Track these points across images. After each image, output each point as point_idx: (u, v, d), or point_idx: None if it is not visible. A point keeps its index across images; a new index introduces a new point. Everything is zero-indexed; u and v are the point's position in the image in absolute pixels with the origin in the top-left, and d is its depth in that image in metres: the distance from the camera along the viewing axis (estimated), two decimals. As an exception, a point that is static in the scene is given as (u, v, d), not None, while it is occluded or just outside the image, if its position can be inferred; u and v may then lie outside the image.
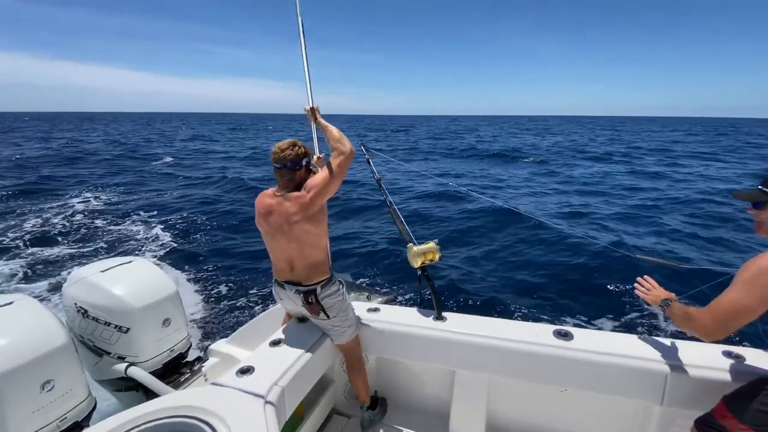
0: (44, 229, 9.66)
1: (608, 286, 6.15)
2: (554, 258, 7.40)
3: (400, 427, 2.43)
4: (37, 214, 11.06)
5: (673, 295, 1.76)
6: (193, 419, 1.56)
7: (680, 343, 2.01)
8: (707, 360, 1.85)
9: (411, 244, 2.42)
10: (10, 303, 2.01)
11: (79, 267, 2.52)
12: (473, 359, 2.22)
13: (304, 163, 2.05)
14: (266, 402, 1.68)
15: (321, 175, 2.02)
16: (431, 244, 2.41)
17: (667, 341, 2.03)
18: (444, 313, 2.38)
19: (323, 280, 2.12)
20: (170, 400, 1.69)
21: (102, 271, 2.41)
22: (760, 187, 1.54)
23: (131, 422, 1.54)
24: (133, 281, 2.41)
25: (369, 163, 2.74)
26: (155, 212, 11.46)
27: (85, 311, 2.31)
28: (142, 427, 1.53)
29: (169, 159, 23.38)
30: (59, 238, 9.00)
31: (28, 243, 8.64)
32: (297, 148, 2.03)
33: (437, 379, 2.48)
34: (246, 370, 1.91)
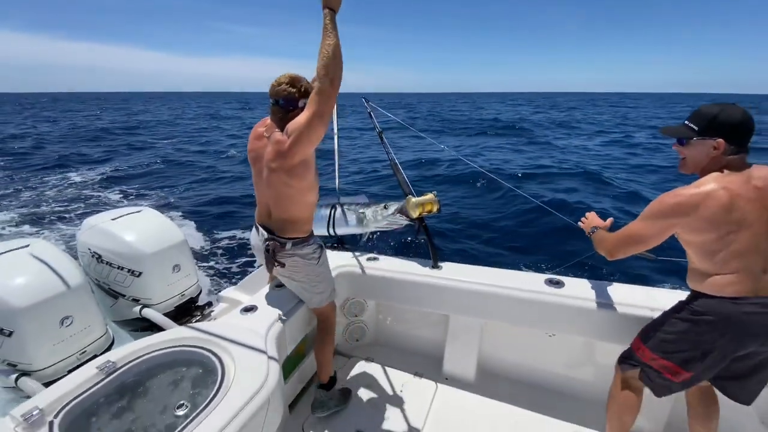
0: (52, 195, 10.43)
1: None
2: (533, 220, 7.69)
3: (397, 369, 2.55)
4: (45, 185, 11.68)
5: (606, 223, 1.91)
6: (198, 349, 1.66)
7: (667, 292, 2.06)
8: None
9: (410, 195, 2.48)
10: (27, 246, 2.14)
11: (91, 216, 2.63)
12: (467, 304, 2.30)
13: (301, 104, 1.72)
14: (267, 337, 1.77)
15: (302, 117, 1.62)
16: (430, 196, 2.46)
17: (655, 290, 2.09)
18: (440, 263, 2.46)
19: (298, 239, 1.91)
20: (178, 333, 1.78)
21: (113, 219, 2.52)
22: (685, 122, 1.53)
23: (140, 351, 1.64)
24: (143, 229, 2.52)
25: (371, 116, 2.77)
26: (161, 183, 11.89)
27: (99, 256, 2.43)
28: (151, 354, 1.63)
29: (175, 139, 23.74)
30: (62, 203, 9.79)
31: (34, 206, 9.39)
32: (297, 85, 1.73)
33: (432, 324, 2.59)
34: (249, 309, 2.01)
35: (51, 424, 1.29)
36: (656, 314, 1.89)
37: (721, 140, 1.41)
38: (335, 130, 2.60)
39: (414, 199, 2.44)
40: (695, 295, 1.53)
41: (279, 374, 1.59)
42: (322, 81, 1.53)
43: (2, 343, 1.90)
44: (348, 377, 2.49)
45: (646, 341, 1.64)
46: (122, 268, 2.42)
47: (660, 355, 1.57)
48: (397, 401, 2.30)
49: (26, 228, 7.90)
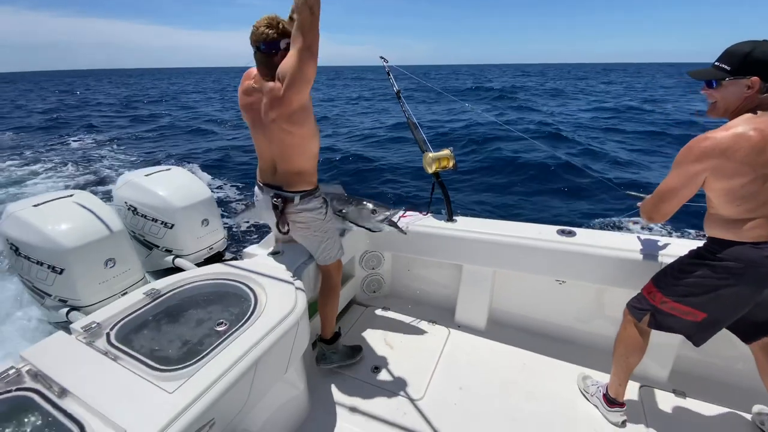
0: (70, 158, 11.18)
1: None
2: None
3: (412, 318, 2.69)
4: (63, 150, 12.35)
5: None
6: (233, 281, 1.82)
7: (678, 240, 2.12)
8: None
9: (427, 151, 2.55)
10: (72, 195, 2.30)
11: (127, 172, 2.80)
12: (479, 254, 2.40)
13: (283, 45, 1.62)
14: (294, 275, 1.91)
15: (290, 57, 1.53)
16: (446, 152, 2.52)
17: (665, 238, 2.13)
18: (455, 216, 2.55)
19: (305, 191, 1.83)
20: (214, 267, 1.93)
21: (146, 175, 2.68)
22: (715, 63, 1.43)
23: (181, 281, 1.80)
24: (174, 184, 2.67)
25: (389, 75, 2.80)
26: (179, 147, 12.53)
27: (135, 209, 2.60)
28: (191, 285, 1.80)
29: (184, 110, 24.04)
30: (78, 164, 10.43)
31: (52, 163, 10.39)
32: (275, 25, 1.61)
33: (446, 275, 2.71)
34: (276, 252, 2.15)
35: (108, 335, 1.46)
36: (669, 260, 1.90)
37: (755, 78, 1.32)
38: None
39: (431, 155, 2.51)
40: (714, 241, 1.50)
41: (305, 305, 1.73)
42: (301, 11, 1.42)
43: (54, 280, 2.09)
44: (364, 325, 2.64)
45: (659, 285, 1.64)
46: (156, 220, 2.59)
47: (672, 299, 1.57)
48: (411, 344, 2.45)
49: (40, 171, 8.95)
